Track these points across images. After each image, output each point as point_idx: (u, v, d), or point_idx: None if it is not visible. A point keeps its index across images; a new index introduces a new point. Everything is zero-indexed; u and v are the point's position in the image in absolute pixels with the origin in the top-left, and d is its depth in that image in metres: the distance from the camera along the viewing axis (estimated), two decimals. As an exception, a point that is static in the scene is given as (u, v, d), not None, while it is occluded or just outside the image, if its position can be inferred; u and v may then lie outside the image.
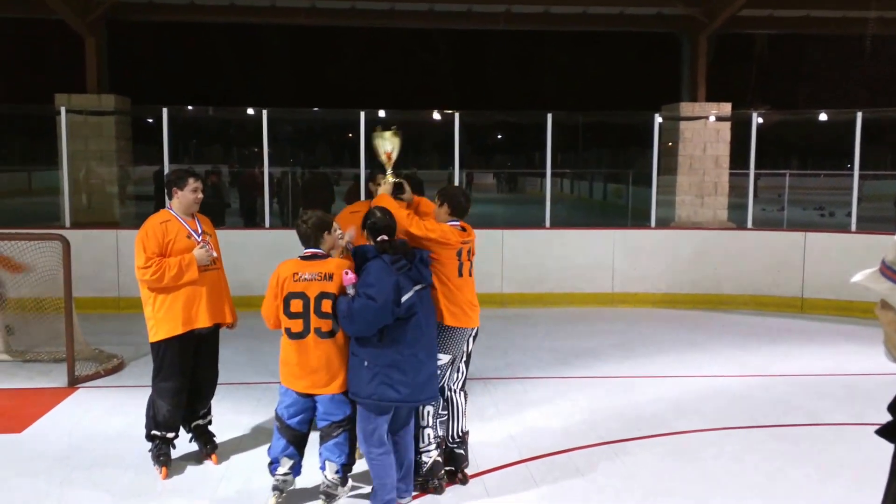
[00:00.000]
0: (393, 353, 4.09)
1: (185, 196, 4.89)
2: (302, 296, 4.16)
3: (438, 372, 4.45)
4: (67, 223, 10.15)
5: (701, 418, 5.94)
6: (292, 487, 4.40)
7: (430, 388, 4.27)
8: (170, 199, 4.95)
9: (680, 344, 8.35)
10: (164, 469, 4.87)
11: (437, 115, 10.90)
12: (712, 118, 12.54)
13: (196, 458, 5.10)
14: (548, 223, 10.59)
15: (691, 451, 5.29)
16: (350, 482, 4.34)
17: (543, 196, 10.70)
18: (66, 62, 11.87)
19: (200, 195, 4.96)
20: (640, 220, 11.14)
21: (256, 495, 4.53)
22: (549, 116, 10.29)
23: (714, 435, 5.60)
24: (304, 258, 4.27)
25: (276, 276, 4.24)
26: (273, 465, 4.33)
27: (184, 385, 4.91)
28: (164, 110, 9.88)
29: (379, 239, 4.26)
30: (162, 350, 4.83)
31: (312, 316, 4.16)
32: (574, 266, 10.30)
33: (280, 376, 4.31)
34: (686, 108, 12.79)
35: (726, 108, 12.92)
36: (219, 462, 5.06)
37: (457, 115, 10.24)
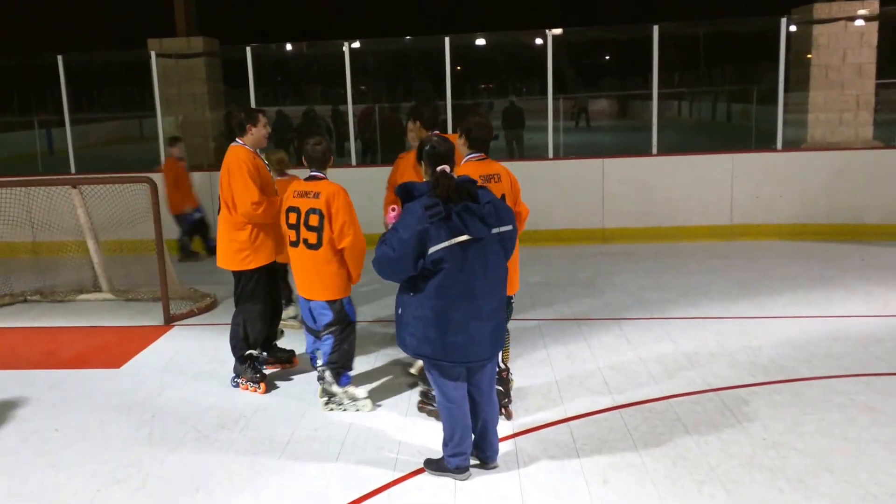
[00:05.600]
0: (419, 307, 3.74)
1: (259, 132, 5.22)
2: (296, 210, 4.80)
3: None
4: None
5: (829, 364, 5.40)
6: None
7: (470, 352, 3.78)
8: (242, 135, 5.22)
9: (809, 280, 7.64)
10: (262, 385, 5.30)
11: (538, 40, 10.33)
12: (860, 22, 11.07)
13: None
14: (654, 150, 9.91)
15: (815, 401, 4.79)
16: (349, 388, 4.95)
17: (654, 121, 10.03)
18: (158, 6, 12.00)
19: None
20: (767, 143, 10.26)
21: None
22: (656, 29, 9.51)
23: (843, 383, 5.06)
24: (306, 179, 4.88)
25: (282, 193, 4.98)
26: (312, 360, 5.26)
27: (269, 306, 5.40)
28: (248, 49, 9.92)
29: (439, 169, 3.80)
30: (255, 277, 5.25)
31: (302, 228, 4.76)
32: (685, 196, 9.66)
33: None
34: (821, 8, 11.24)
35: (873, 5, 11.33)
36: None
37: (550, 34, 9.66)
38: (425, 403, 4.82)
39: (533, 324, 6.43)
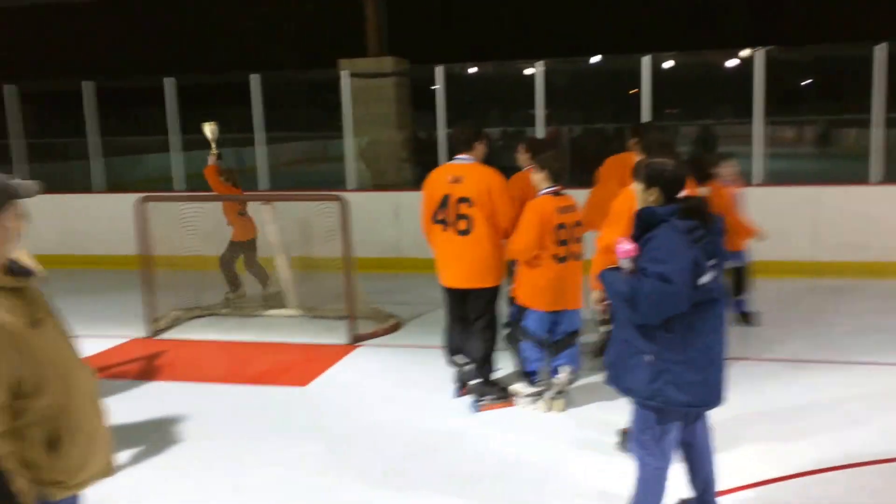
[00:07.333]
0: (686, 347, 3.28)
1: (483, 150, 5.35)
2: (564, 226, 4.98)
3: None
4: (353, 185, 10.64)
5: None
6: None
7: (723, 390, 3.43)
8: (467, 150, 5.30)
9: None
10: (510, 398, 5.34)
11: (733, 61, 9.80)
12: None
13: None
14: (874, 178, 9.06)
15: None
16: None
17: (865, 149, 9.19)
18: (350, 26, 12.32)
19: None
20: None
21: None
22: (880, 49, 8.72)
23: None
24: (555, 194, 5.03)
25: (541, 211, 4.94)
26: (533, 375, 5.23)
27: None
28: (438, 69, 9.94)
29: (684, 197, 3.40)
30: (498, 290, 5.38)
31: (572, 242, 5.02)
32: (911, 230, 8.71)
33: (527, 299, 5.09)
34: None
35: None
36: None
37: (759, 53, 9.09)
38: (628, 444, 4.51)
39: (743, 364, 5.94)
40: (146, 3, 18.13)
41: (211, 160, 8.03)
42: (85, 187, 11.71)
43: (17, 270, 2.39)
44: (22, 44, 22.94)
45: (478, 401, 5.31)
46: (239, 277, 8.44)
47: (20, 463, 2.27)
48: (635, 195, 3.52)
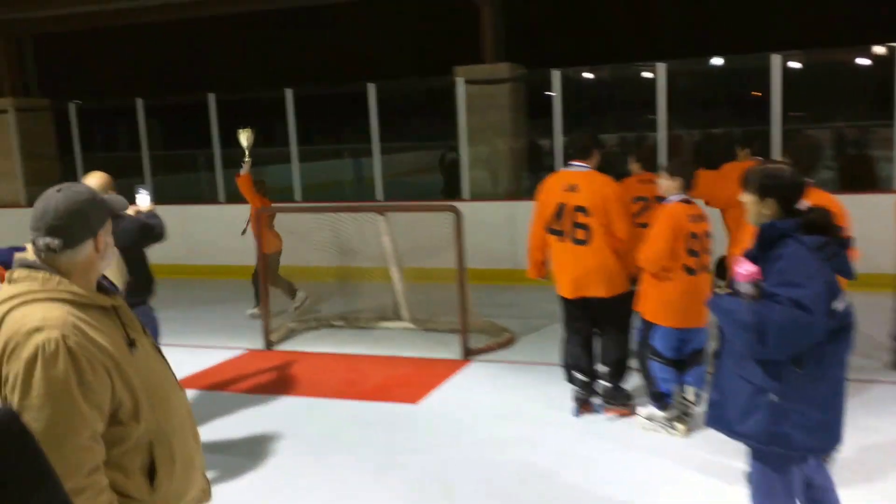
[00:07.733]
0: (815, 383, 2.93)
1: (598, 158, 5.24)
2: (696, 235, 4.73)
3: None
4: (468, 195, 10.62)
5: None
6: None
7: (843, 428, 3.07)
8: (585, 158, 5.20)
9: None
10: (633, 408, 5.26)
11: (865, 59, 9.20)
12: None
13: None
14: None
15: None
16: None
17: None
18: (467, 32, 12.23)
19: None
20: None
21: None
22: None
23: None
24: (684, 201, 4.78)
25: (674, 218, 4.69)
26: (667, 398, 4.95)
27: None
28: (554, 74, 9.73)
29: (808, 208, 3.03)
30: (628, 298, 5.22)
31: (703, 254, 4.76)
32: None
33: (655, 315, 4.87)
34: None
35: None
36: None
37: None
38: None
39: (879, 387, 5.54)
40: (266, 17, 18.81)
41: (245, 168, 7.92)
42: (211, 198, 12.20)
43: (109, 288, 2.28)
44: (149, 59, 24.26)
45: (602, 403, 5.31)
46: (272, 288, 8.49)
47: (118, 495, 2.13)
48: (747, 208, 3.14)
